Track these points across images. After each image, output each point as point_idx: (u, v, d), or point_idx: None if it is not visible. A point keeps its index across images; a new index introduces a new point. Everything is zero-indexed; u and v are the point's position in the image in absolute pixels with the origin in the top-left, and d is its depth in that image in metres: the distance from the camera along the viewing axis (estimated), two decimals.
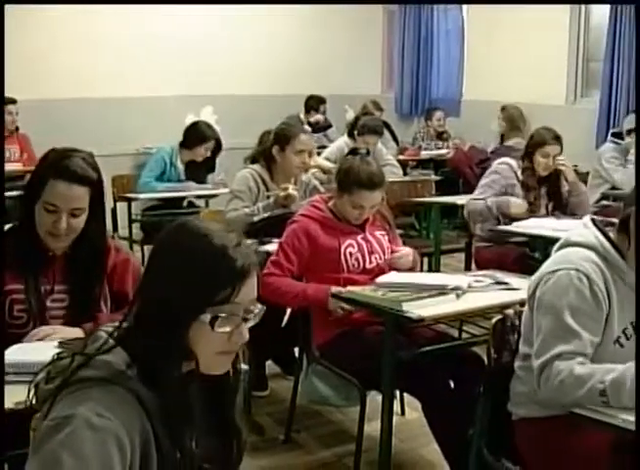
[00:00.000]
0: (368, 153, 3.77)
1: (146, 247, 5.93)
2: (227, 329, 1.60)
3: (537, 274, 2.54)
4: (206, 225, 1.65)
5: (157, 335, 1.56)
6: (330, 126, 8.90)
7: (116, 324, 1.64)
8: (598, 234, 2.50)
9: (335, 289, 3.42)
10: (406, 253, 3.68)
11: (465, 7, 9.75)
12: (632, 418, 2.09)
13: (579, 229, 2.58)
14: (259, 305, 1.66)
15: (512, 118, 7.89)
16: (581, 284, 2.39)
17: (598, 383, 2.21)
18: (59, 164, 2.50)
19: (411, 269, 3.67)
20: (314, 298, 3.48)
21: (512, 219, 4.90)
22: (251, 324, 1.65)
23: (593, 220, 2.57)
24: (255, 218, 4.42)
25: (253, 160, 4.74)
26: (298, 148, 4.55)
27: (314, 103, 9.06)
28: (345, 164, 3.67)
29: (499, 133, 8.05)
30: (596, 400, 2.22)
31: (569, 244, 2.55)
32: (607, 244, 2.47)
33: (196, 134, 6.33)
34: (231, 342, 1.62)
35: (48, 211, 2.51)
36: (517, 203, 4.94)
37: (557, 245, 2.61)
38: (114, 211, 6.18)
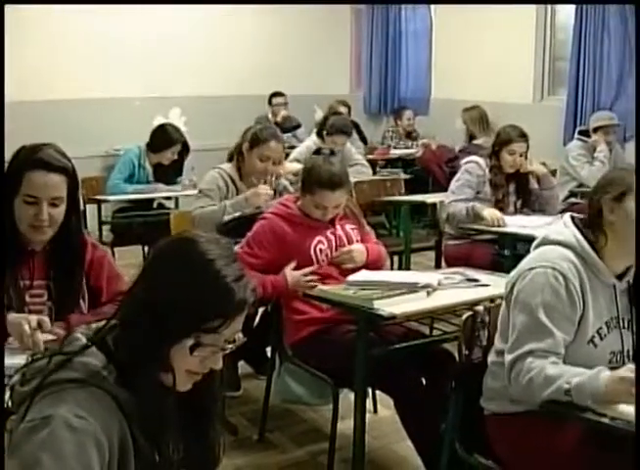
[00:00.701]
0: (333, 153, 3.79)
1: (116, 249, 5.91)
2: (204, 355, 1.61)
3: (515, 271, 2.56)
4: (212, 250, 1.63)
5: (140, 346, 1.56)
6: (299, 126, 8.90)
7: (94, 326, 1.64)
8: (577, 233, 2.52)
9: (288, 270, 3.46)
10: (349, 249, 3.64)
11: (433, 6, 9.79)
12: (600, 411, 2.12)
13: (559, 227, 2.61)
14: (241, 336, 1.67)
15: (473, 119, 7.97)
16: (557, 283, 2.42)
17: (564, 383, 2.24)
18: (32, 157, 2.53)
19: (366, 266, 3.64)
20: (274, 284, 3.50)
21: None
22: (227, 352, 1.65)
23: (573, 219, 2.59)
24: (226, 218, 4.41)
25: (231, 157, 4.71)
26: (265, 153, 4.53)
27: (275, 97, 9.09)
28: (309, 164, 3.69)
29: (463, 133, 8.13)
30: (561, 399, 2.25)
31: (547, 242, 2.58)
32: (585, 243, 2.50)
33: (163, 138, 6.30)
34: (203, 365, 1.64)
35: (28, 204, 2.53)
36: (490, 211, 4.93)
37: (535, 242, 2.64)
38: (83, 214, 6.13)
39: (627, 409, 2.13)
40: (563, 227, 2.59)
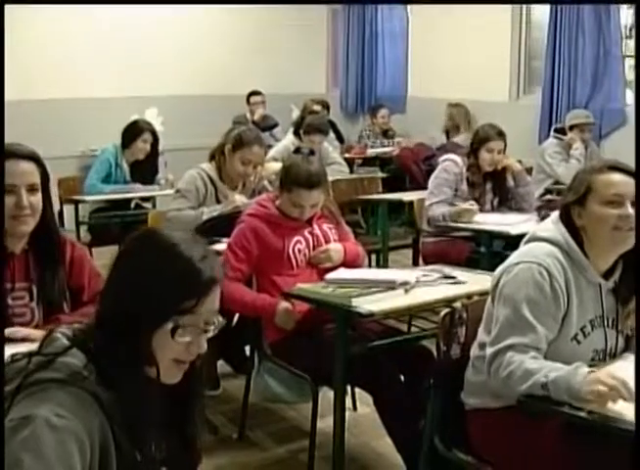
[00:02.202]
0: (312, 152, 3.79)
1: (94, 249, 5.89)
2: (187, 339, 1.63)
3: (502, 266, 2.58)
4: (175, 235, 1.67)
5: (120, 340, 1.58)
6: (276, 125, 8.91)
7: (75, 326, 1.65)
8: (564, 231, 2.54)
9: (283, 304, 3.45)
10: (326, 248, 3.65)
11: (409, 5, 9.81)
12: (577, 406, 2.14)
13: (547, 224, 2.63)
14: (220, 318, 1.69)
15: (460, 114, 8.00)
16: (542, 279, 2.44)
17: (542, 377, 2.25)
18: (2, 151, 2.54)
19: (344, 265, 3.65)
20: (262, 311, 3.51)
21: None
22: (210, 335, 1.67)
23: (561, 217, 2.60)
24: (204, 217, 4.42)
25: (212, 157, 4.71)
26: (247, 157, 4.54)
27: (253, 96, 9.11)
28: (287, 163, 3.71)
29: (444, 130, 8.16)
30: (538, 393, 2.26)
31: (535, 238, 2.60)
32: (571, 241, 2.52)
33: (131, 130, 6.30)
34: (188, 351, 1.65)
35: (7, 193, 2.52)
36: (469, 210, 4.97)
37: (524, 239, 2.66)
38: (60, 214, 6.11)
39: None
40: (551, 224, 2.61)
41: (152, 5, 8.72)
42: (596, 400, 2.11)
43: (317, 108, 8.35)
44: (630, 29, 8.02)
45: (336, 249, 3.66)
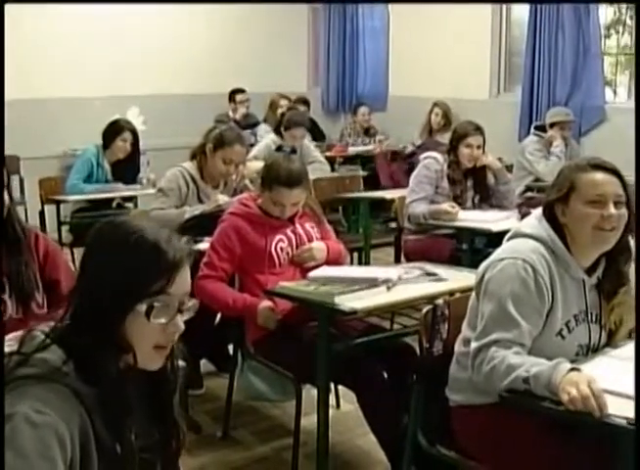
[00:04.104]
0: (294, 151, 3.80)
1: (75, 249, 5.87)
2: (162, 320, 1.64)
3: (486, 262, 2.59)
4: (138, 222, 1.70)
5: (93, 330, 1.59)
6: (258, 124, 8.91)
7: (52, 323, 1.65)
8: (548, 227, 2.56)
9: (264, 304, 3.46)
10: (309, 247, 3.65)
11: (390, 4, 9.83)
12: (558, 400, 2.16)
13: (531, 221, 2.64)
14: (193, 300, 1.71)
15: (448, 109, 8.01)
16: (526, 274, 2.45)
17: (524, 372, 2.26)
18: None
19: (327, 264, 3.65)
20: (244, 311, 3.52)
21: None
22: (185, 317, 1.69)
23: (545, 214, 2.62)
24: (187, 216, 4.42)
25: (194, 156, 4.71)
26: (229, 156, 4.55)
27: (236, 94, 9.12)
28: (269, 162, 3.72)
29: (423, 129, 8.17)
30: (521, 387, 2.27)
31: (519, 235, 2.61)
32: (555, 237, 2.53)
33: (110, 130, 6.29)
34: (166, 333, 1.66)
35: None
36: (449, 212, 4.99)
37: (508, 235, 2.68)
38: (42, 214, 6.11)
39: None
40: (534, 221, 2.62)
41: (133, 4, 8.69)
42: (566, 402, 2.11)
43: (284, 102, 8.35)
44: (609, 28, 8.10)
45: (319, 247, 3.67)
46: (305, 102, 8.90)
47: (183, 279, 1.67)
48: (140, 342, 1.64)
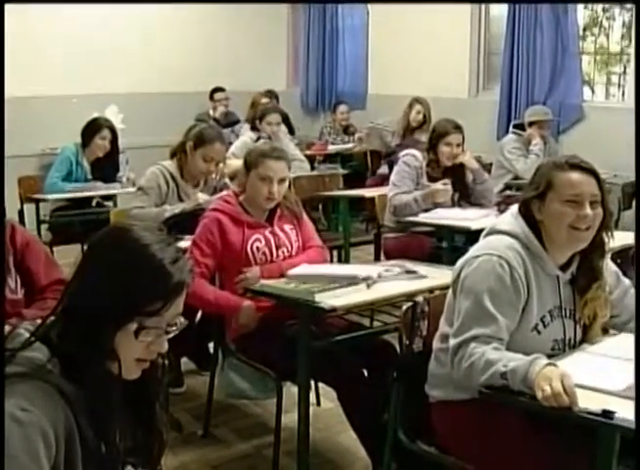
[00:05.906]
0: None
1: (55, 248, 5.85)
2: (149, 339, 1.64)
3: (462, 259, 2.61)
4: (147, 234, 1.67)
5: (84, 335, 1.59)
6: (238, 122, 8.91)
7: (38, 321, 1.65)
8: (523, 224, 2.58)
9: (247, 303, 3.46)
10: (244, 276, 3.56)
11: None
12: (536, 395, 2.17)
13: (506, 218, 2.67)
14: (182, 319, 1.71)
15: (424, 111, 8.02)
16: (502, 270, 2.47)
17: (502, 366, 2.28)
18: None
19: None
20: (225, 310, 3.54)
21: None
22: (171, 336, 1.69)
23: (520, 210, 2.64)
24: (167, 214, 4.42)
25: (174, 154, 4.70)
26: (209, 155, 4.56)
27: (216, 93, 9.12)
28: (250, 148, 3.76)
29: (405, 125, 8.17)
30: (498, 382, 2.29)
31: (495, 231, 2.64)
32: (530, 234, 2.56)
33: (89, 128, 6.27)
34: (149, 350, 1.67)
35: None
36: (442, 190, 5.02)
37: (484, 232, 2.70)
38: (21, 213, 6.07)
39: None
40: (511, 217, 2.64)
41: (112, 4, 8.66)
42: (540, 399, 2.13)
43: (265, 100, 8.37)
44: (585, 29, 8.15)
45: (254, 276, 3.55)
46: (274, 95, 8.85)
47: (178, 302, 1.67)
48: (123, 354, 1.64)
